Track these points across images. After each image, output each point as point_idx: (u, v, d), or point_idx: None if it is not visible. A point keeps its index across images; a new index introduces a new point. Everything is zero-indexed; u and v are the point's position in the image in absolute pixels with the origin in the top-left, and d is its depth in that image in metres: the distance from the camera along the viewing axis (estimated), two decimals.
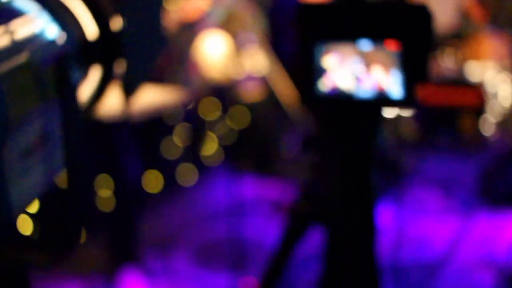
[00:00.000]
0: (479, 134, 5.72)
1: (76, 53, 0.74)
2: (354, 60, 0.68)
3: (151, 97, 0.83)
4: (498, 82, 6.18)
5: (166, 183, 4.51)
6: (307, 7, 0.69)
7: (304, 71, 0.69)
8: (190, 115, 2.76)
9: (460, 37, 6.25)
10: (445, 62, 5.69)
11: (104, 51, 0.77)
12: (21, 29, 0.67)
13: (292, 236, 1.18)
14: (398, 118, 5.64)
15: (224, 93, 3.85)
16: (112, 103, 0.84)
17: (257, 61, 2.64)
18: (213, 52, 2.52)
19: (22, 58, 0.65)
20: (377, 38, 0.67)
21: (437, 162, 5.42)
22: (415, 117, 5.60)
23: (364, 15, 0.68)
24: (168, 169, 4.50)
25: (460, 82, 5.61)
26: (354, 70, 0.69)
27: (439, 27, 6.38)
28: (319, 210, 1.02)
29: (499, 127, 6.25)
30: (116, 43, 0.78)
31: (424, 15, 0.69)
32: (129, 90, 0.82)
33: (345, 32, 0.67)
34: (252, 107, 2.97)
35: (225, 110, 3.68)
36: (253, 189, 4.76)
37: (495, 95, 6.01)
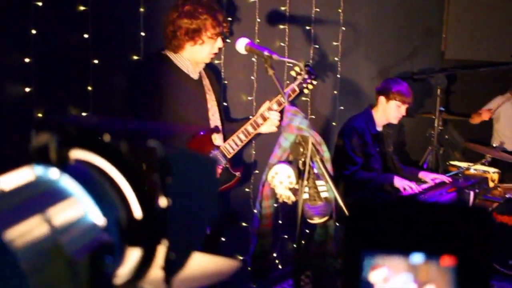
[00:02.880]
0: None
1: (117, 236, 0.72)
2: (405, 276, 0.63)
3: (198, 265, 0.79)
4: None
5: None
6: (359, 211, 0.64)
7: (349, 282, 0.64)
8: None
9: None
10: None
11: (147, 232, 0.75)
12: (60, 215, 0.66)
13: None
14: None
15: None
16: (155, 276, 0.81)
17: (321, 187, 2.59)
18: (281, 177, 2.49)
19: (57, 247, 0.63)
20: (432, 252, 0.62)
21: None
22: None
23: (419, 226, 0.63)
24: None
25: None
26: (404, 286, 0.64)
27: None
28: None
29: None
30: (161, 224, 0.75)
31: (485, 222, 0.63)
32: (171, 269, 0.78)
33: (397, 244, 0.62)
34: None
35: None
36: None
37: None
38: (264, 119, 3.39)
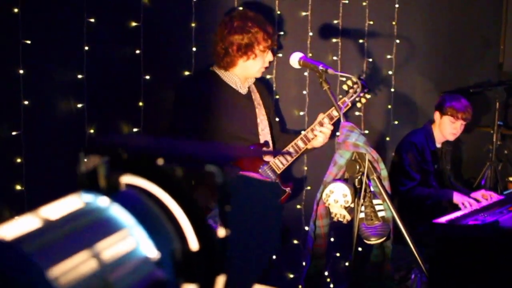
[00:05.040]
0: None
1: (172, 272, 0.65)
2: None
3: None
4: None
5: None
6: (446, 249, 0.56)
7: None
8: None
9: None
10: None
11: (204, 266, 0.67)
12: (110, 249, 0.59)
13: None
14: None
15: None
16: None
17: (378, 206, 2.49)
18: (337, 196, 2.42)
19: (106, 286, 0.57)
20: None
21: None
22: None
23: None
24: None
25: None
26: None
27: None
28: None
29: None
30: (219, 256, 0.68)
31: None
32: None
33: None
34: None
35: None
36: None
37: None
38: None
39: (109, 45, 3.33)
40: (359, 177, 2.43)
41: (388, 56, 4.88)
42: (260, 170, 3.20)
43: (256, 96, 3.33)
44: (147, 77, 3.40)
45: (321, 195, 2.48)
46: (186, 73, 3.59)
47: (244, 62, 3.14)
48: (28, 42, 2.97)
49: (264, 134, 3.28)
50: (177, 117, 3.22)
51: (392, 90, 4.98)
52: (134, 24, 3.34)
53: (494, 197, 4.49)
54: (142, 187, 0.69)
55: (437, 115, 4.48)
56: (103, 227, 0.61)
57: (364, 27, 4.64)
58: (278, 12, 4.04)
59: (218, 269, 0.68)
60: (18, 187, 3.03)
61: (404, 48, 4.98)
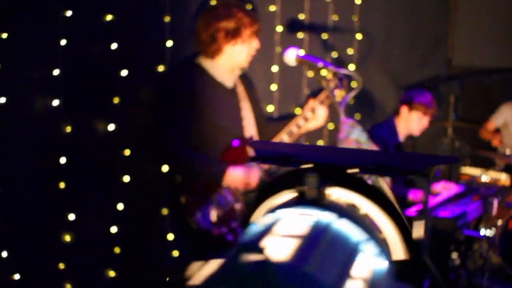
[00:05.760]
0: None
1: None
2: None
3: None
4: None
5: None
6: None
7: None
8: None
9: None
10: None
11: (413, 275, 0.66)
12: (363, 267, 0.57)
13: None
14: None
15: None
16: None
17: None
18: None
19: None
20: None
21: None
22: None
23: None
24: None
25: None
26: None
27: None
28: None
29: None
30: (423, 265, 0.67)
31: None
32: None
33: None
34: None
35: None
36: None
37: None
38: (306, 119, 3.25)
39: (85, 40, 3.21)
40: None
41: (350, 51, 4.94)
42: (247, 163, 3.15)
43: (241, 90, 3.29)
44: (123, 72, 3.31)
45: None
46: (161, 67, 3.52)
47: (232, 47, 3.10)
48: (4, 36, 2.84)
49: (249, 128, 3.25)
50: (165, 113, 3.14)
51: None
52: (108, 18, 3.23)
53: (454, 188, 4.62)
54: (348, 199, 0.67)
55: (404, 110, 4.55)
56: (344, 243, 0.59)
57: (328, 22, 4.67)
58: (250, 7, 4.01)
59: (424, 277, 0.68)
60: None
61: (364, 44, 5.05)
